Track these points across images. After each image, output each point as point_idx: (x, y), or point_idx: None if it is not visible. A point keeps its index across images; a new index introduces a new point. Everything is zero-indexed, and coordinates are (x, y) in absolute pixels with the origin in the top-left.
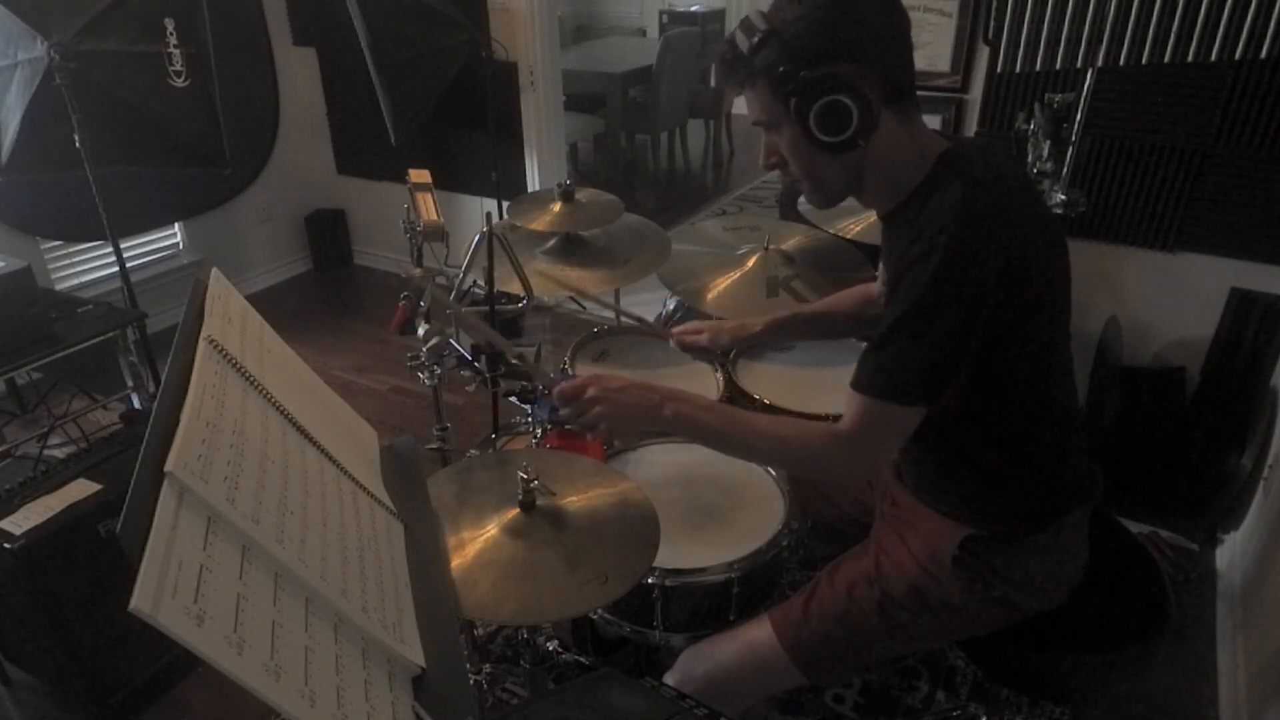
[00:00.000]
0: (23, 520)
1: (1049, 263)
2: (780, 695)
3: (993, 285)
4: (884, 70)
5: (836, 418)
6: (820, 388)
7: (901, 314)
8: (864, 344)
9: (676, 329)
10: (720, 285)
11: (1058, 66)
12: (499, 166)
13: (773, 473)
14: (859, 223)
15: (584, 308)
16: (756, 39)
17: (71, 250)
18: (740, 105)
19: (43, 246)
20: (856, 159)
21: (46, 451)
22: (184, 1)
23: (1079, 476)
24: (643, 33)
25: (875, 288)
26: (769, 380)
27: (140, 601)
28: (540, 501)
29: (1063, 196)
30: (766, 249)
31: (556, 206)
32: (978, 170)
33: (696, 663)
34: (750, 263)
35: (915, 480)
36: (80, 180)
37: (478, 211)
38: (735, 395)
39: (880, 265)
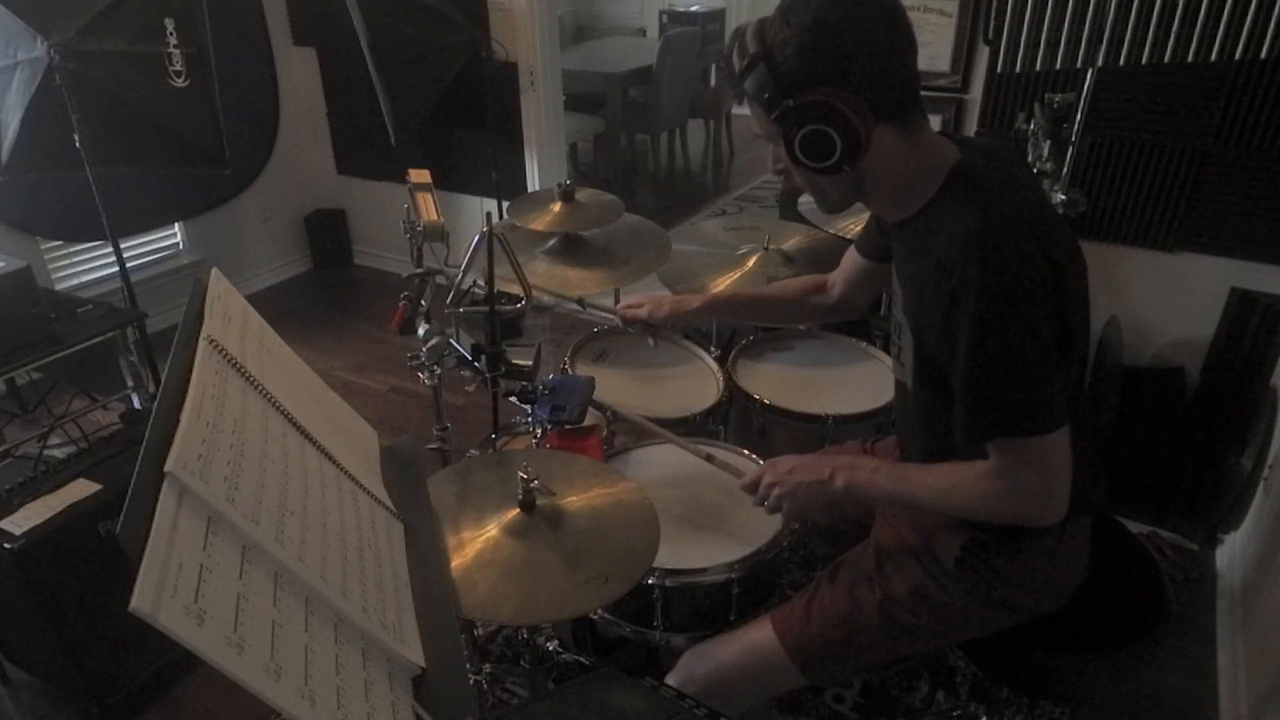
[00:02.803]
0: (23, 520)
1: (1072, 269)
2: (780, 695)
3: (1040, 293)
4: (876, 90)
5: (836, 417)
6: (820, 387)
7: (974, 353)
8: (864, 344)
9: (621, 303)
10: (720, 285)
11: (1058, 66)
12: (499, 166)
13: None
14: (859, 223)
15: (584, 308)
16: (746, 62)
17: (71, 250)
18: (740, 105)
19: (43, 246)
20: (854, 176)
21: (46, 451)
22: (184, 1)
23: (1085, 482)
24: (643, 33)
25: (828, 278)
26: (769, 380)
27: (140, 601)
28: (540, 501)
29: (1063, 196)
30: (766, 249)
31: (556, 206)
32: (990, 188)
33: (698, 663)
34: (750, 263)
35: None
36: (80, 180)
37: (478, 211)
38: (735, 395)
39: (845, 259)
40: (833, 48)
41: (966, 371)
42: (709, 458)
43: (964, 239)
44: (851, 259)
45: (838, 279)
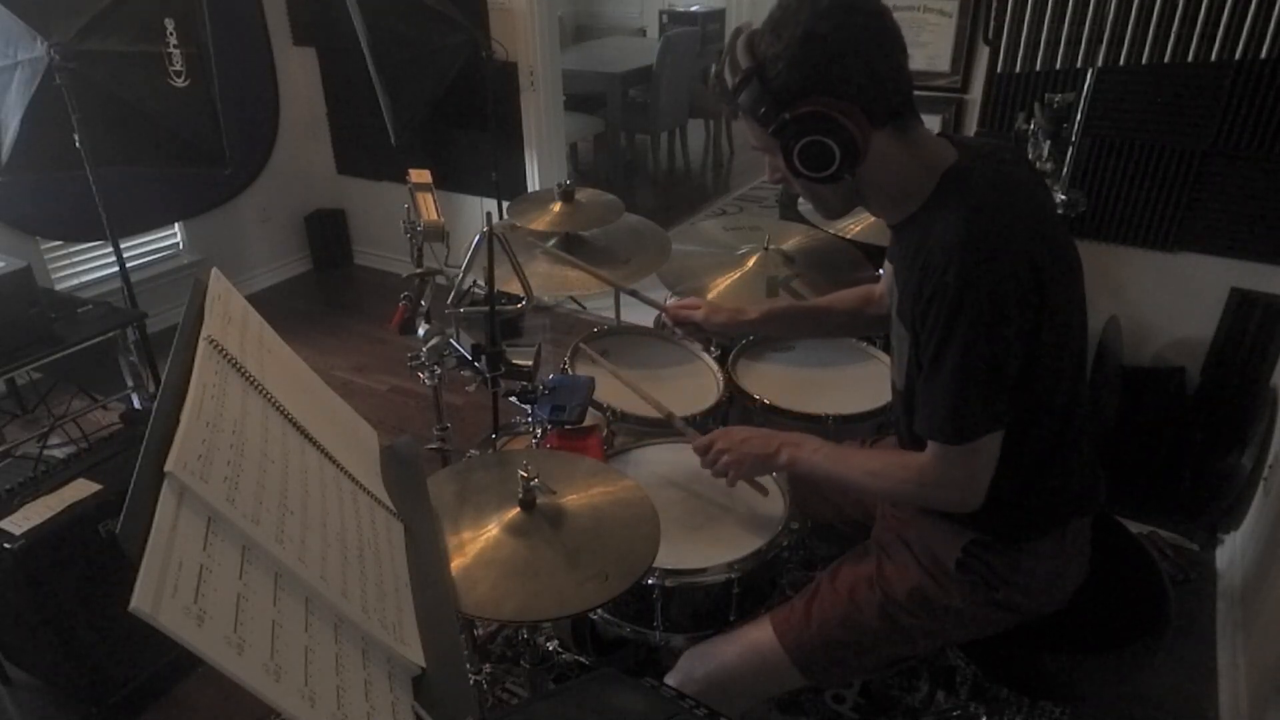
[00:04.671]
0: (23, 520)
1: (1061, 273)
2: (780, 695)
3: (1014, 307)
4: (870, 97)
5: (836, 417)
6: (820, 387)
7: (938, 356)
8: (864, 344)
9: (673, 301)
10: (720, 285)
11: (1058, 66)
12: (499, 166)
13: (773, 473)
14: (859, 223)
15: (584, 308)
16: (739, 78)
17: (71, 250)
18: (736, 119)
19: (43, 246)
20: (853, 182)
21: (46, 451)
22: (184, 1)
23: (1085, 483)
24: (643, 33)
25: (877, 289)
26: (769, 380)
27: (140, 601)
28: (540, 500)
29: (1063, 196)
30: (766, 249)
31: (556, 206)
32: (980, 192)
33: (698, 663)
34: (750, 263)
35: None
36: (80, 180)
37: (478, 211)
38: (735, 395)
39: (885, 267)
40: (824, 58)
41: (925, 371)
42: (669, 416)
43: (946, 244)
44: (888, 267)
45: (883, 289)
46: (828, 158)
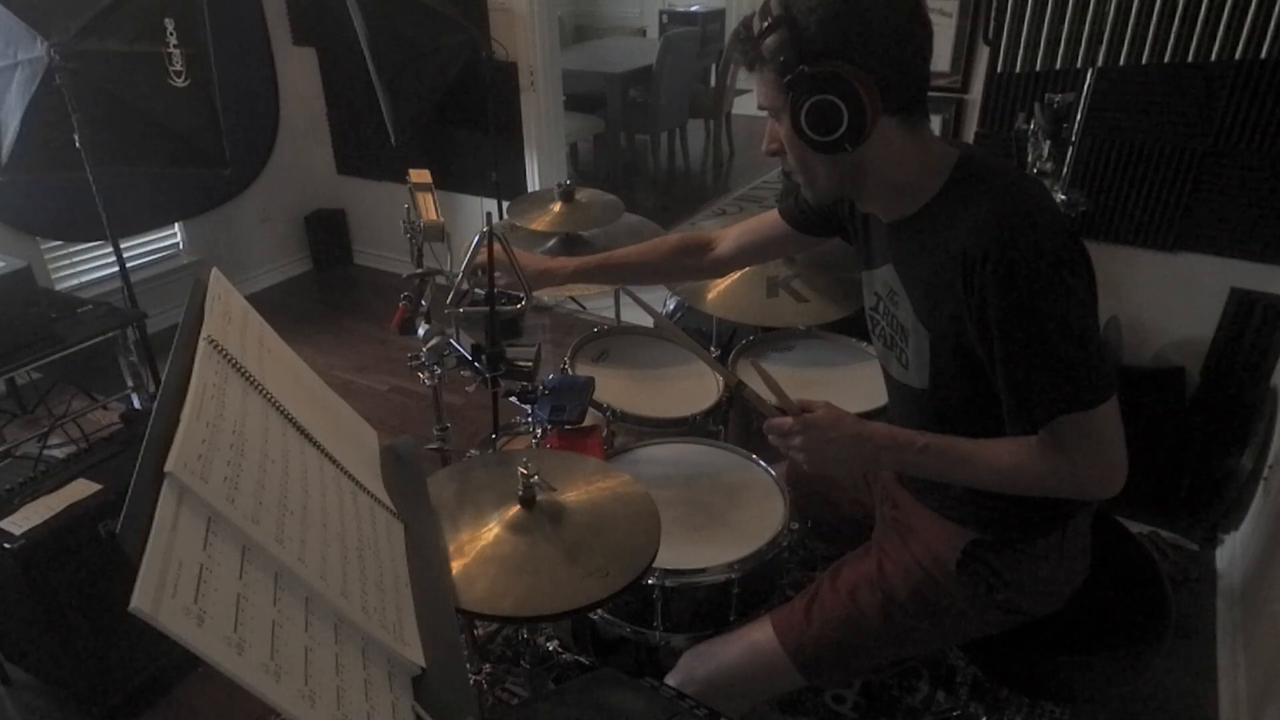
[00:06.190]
0: (23, 520)
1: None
2: (780, 695)
3: (1078, 265)
4: (889, 77)
5: None
6: (820, 387)
7: (1027, 338)
8: (864, 344)
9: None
10: (720, 286)
11: (1058, 66)
12: (499, 166)
13: (773, 473)
14: None
15: (584, 308)
16: (768, 23)
17: (71, 250)
18: (740, 106)
19: (43, 246)
20: (850, 161)
21: (46, 451)
22: (184, 1)
23: None
24: (643, 33)
25: (716, 243)
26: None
27: (140, 601)
28: (540, 497)
29: (1063, 196)
30: None
31: (556, 206)
32: (1003, 175)
33: (698, 664)
34: None
35: (919, 483)
36: (80, 180)
37: (478, 211)
38: (735, 395)
39: (734, 235)
40: (856, 23)
41: (1020, 356)
42: (739, 385)
43: (991, 227)
44: (771, 224)
45: (731, 237)
46: (835, 122)
